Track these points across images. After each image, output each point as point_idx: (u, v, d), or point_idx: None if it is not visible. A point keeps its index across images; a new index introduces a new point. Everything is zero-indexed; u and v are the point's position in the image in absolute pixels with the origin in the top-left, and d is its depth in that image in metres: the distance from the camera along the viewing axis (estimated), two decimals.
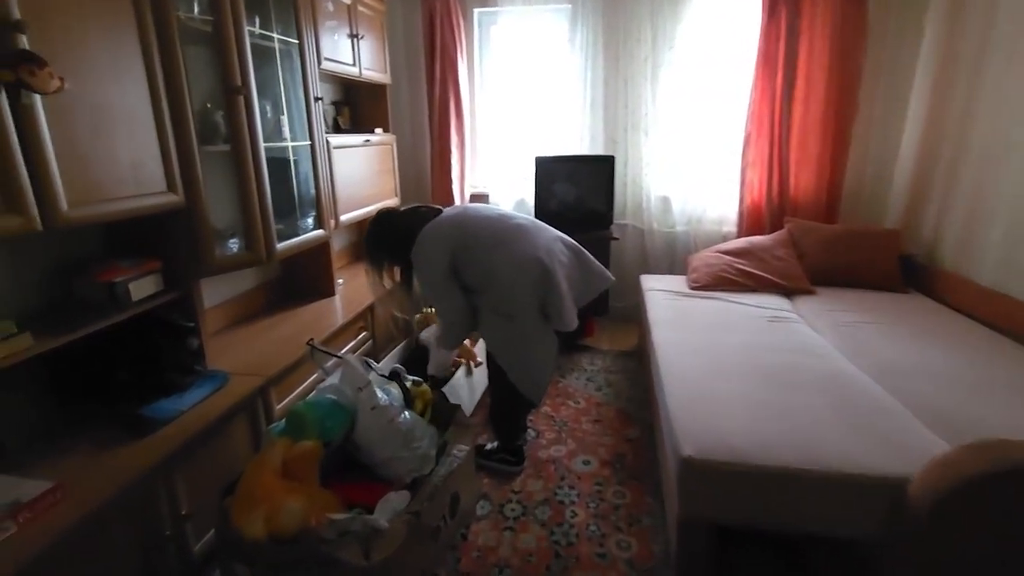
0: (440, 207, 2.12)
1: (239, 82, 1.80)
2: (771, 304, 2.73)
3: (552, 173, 3.48)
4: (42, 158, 1.26)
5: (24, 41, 1.20)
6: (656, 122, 3.53)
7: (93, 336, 1.54)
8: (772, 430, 1.59)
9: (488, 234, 1.98)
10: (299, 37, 2.16)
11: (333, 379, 1.80)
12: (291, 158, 2.19)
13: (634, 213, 3.73)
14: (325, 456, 1.59)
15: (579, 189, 3.48)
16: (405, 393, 1.82)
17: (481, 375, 2.67)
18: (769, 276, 2.97)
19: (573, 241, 2.19)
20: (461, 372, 2.44)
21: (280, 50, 2.11)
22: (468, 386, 2.52)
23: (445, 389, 2.22)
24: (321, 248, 2.68)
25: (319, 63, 2.45)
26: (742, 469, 1.48)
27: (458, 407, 2.00)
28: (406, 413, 1.75)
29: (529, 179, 3.53)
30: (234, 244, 1.99)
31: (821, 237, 3.10)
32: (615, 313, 3.74)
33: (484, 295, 1.98)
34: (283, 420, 1.67)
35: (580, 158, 3.59)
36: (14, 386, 1.48)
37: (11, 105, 1.19)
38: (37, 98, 1.23)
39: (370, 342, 2.78)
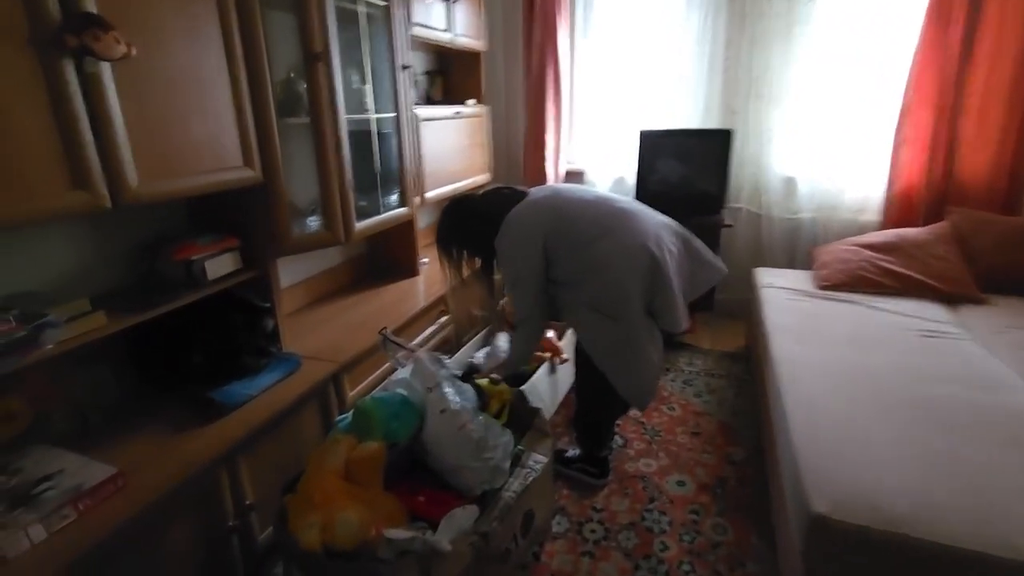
0: (525, 189, 1.87)
1: (320, 48, 1.67)
2: (926, 314, 2.23)
3: (658, 149, 3.11)
4: (110, 130, 1.19)
5: (90, 3, 1.12)
6: (786, 90, 3.03)
7: (173, 314, 1.51)
8: (939, 490, 1.23)
9: (588, 219, 1.72)
10: None
11: (404, 372, 1.67)
12: (375, 131, 2.06)
13: (751, 196, 3.27)
14: (390, 458, 1.46)
15: (687, 167, 3.09)
16: (480, 394, 1.65)
17: (566, 372, 2.45)
18: (923, 278, 2.44)
19: (681, 227, 1.88)
20: (543, 370, 2.24)
21: (366, 14, 1.96)
22: (551, 385, 2.31)
23: (525, 388, 2.03)
24: (406, 226, 2.57)
25: (408, 28, 2.29)
26: (898, 540, 1.14)
27: (538, 411, 1.81)
28: (480, 417, 1.58)
29: (631, 155, 3.19)
30: (314, 222, 1.91)
31: (998, 232, 2.50)
32: (720, 307, 3.34)
33: (580, 290, 1.73)
34: (351, 412, 1.57)
35: (691, 132, 3.18)
36: (98, 360, 1.49)
37: (77, 73, 1.11)
38: (105, 66, 1.16)
39: (452, 326, 2.66)
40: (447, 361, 1.63)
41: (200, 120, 1.40)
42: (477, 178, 3.15)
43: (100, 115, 1.17)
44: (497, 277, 1.97)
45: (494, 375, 1.87)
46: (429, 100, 3.02)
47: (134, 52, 1.18)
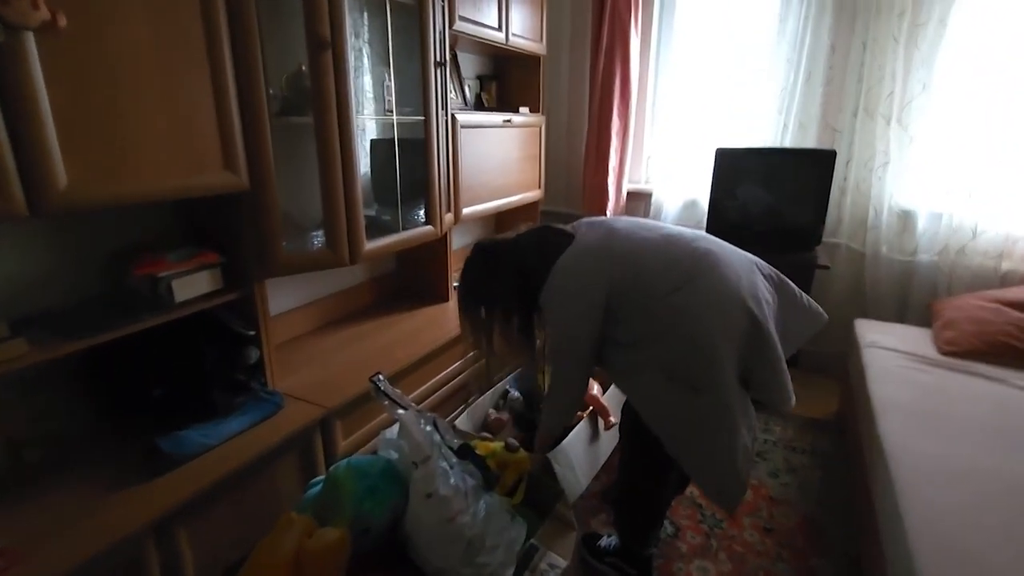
0: (568, 229, 1.47)
1: (327, 34, 1.40)
2: None
3: (738, 171, 2.65)
4: (32, 120, 0.96)
5: None
6: (908, 104, 2.49)
7: (138, 338, 1.28)
8: None
9: (663, 263, 1.33)
10: None
11: (395, 433, 1.35)
12: (396, 135, 1.78)
13: (853, 231, 2.72)
14: (360, 547, 1.14)
15: (775, 194, 2.61)
16: (485, 473, 1.29)
17: (609, 438, 2.03)
18: None
19: (770, 266, 1.46)
20: (581, 431, 1.84)
21: (394, 1, 1.70)
22: (588, 451, 1.90)
23: (553, 454, 1.65)
24: (437, 245, 2.28)
25: (451, 22, 2.01)
26: None
27: (562, 494, 1.43)
28: (482, 503, 1.23)
29: (705, 177, 2.74)
30: (318, 238, 1.64)
31: None
32: (807, 361, 2.80)
33: (649, 352, 1.32)
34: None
35: (782, 152, 2.69)
36: (43, 388, 1.28)
37: None
38: (29, 37, 0.93)
39: (483, 361, 2.33)
40: (443, 427, 1.28)
41: (163, 112, 1.15)
42: (526, 195, 2.82)
43: (18, 101, 0.94)
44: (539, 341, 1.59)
45: (511, 440, 1.51)
46: (479, 106, 2.74)
47: (63, 22, 0.94)
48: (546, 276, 1.37)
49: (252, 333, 1.49)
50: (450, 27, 2.01)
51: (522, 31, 2.56)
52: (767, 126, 2.80)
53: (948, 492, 1.30)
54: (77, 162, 1.02)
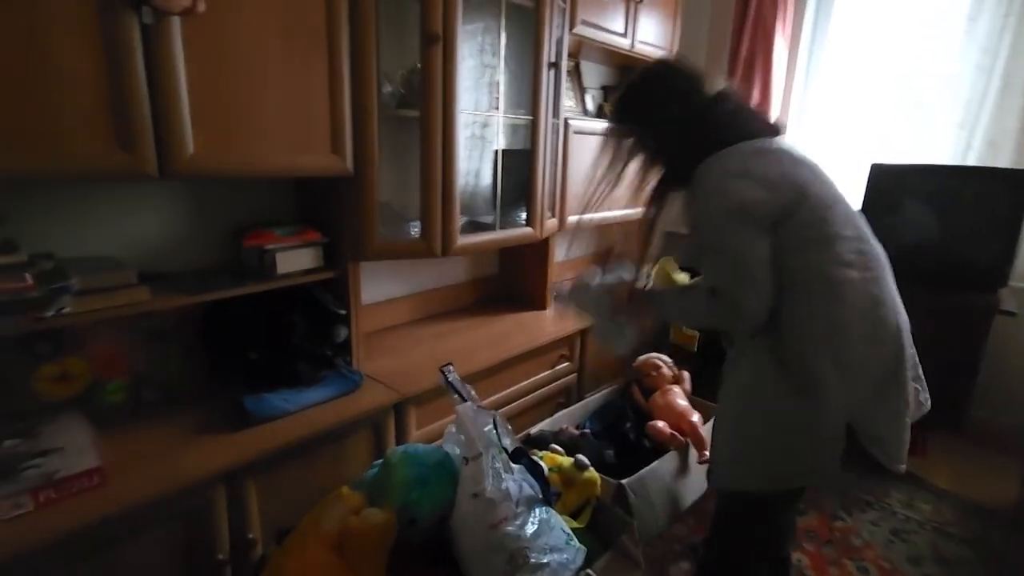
0: (776, 124, 1.20)
1: (437, 28, 1.44)
2: None
3: (898, 192, 2.26)
4: (170, 91, 1.09)
5: None
6: None
7: (251, 304, 1.41)
8: None
9: (849, 233, 1.08)
10: None
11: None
12: (499, 133, 1.77)
13: None
14: (405, 537, 1.11)
15: (946, 221, 2.17)
16: (541, 483, 1.19)
17: (702, 476, 1.80)
18: None
19: (906, 316, 1.16)
20: (668, 462, 1.64)
21: (510, 3, 1.71)
22: (673, 488, 1.69)
23: (629, 482, 1.49)
24: (540, 249, 2.23)
25: (571, 25, 1.97)
26: None
27: (630, 524, 1.28)
28: (537, 513, 1.13)
29: (856, 197, 2.37)
30: (415, 229, 1.68)
31: None
32: (977, 430, 2.26)
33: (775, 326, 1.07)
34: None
35: (960, 171, 2.25)
36: (170, 338, 1.44)
37: (141, 26, 1.02)
38: (174, 22, 1.06)
39: (574, 375, 2.22)
40: (502, 427, 1.21)
41: (282, 95, 1.26)
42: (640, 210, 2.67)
43: (160, 73, 1.07)
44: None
45: (581, 457, 1.39)
46: (602, 116, 2.67)
47: (202, 7, 1.06)
48: (718, 149, 1.09)
49: (343, 312, 1.56)
50: (570, 30, 1.98)
51: (650, 38, 2.45)
52: (943, 143, 2.37)
53: None
54: (203, 133, 1.15)
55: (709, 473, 1.30)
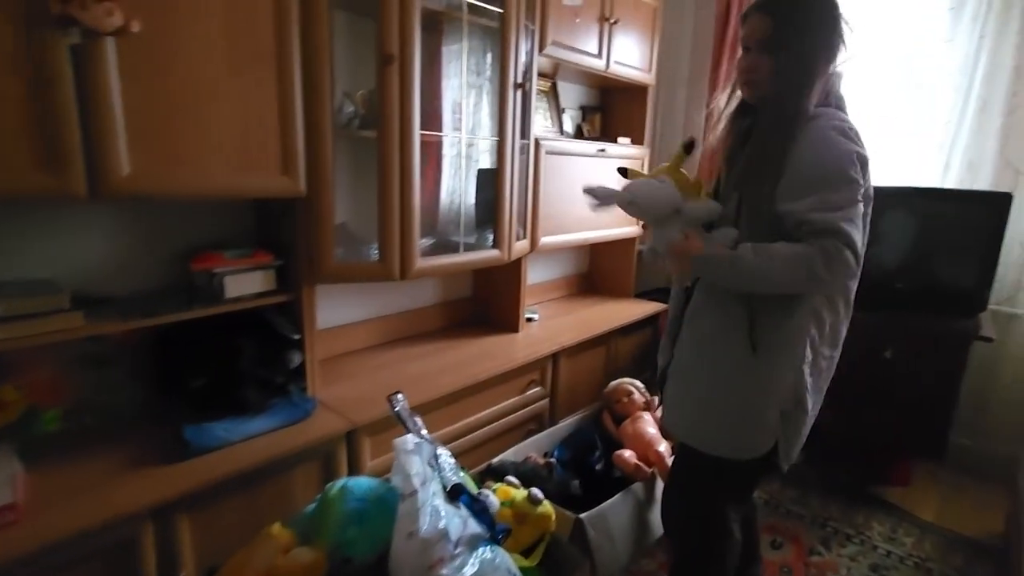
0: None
1: (393, 50, 1.42)
2: None
3: (876, 215, 2.21)
4: (103, 111, 1.05)
5: None
6: None
7: (199, 329, 1.36)
8: None
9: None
10: (503, 3, 1.69)
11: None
12: (463, 154, 1.75)
13: None
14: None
15: (924, 244, 2.14)
16: (485, 522, 1.13)
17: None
18: None
19: None
20: (630, 496, 1.56)
21: (472, 21, 1.69)
22: (636, 521, 1.62)
23: (587, 516, 1.42)
24: (511, 272, 2.19)
25: (541, 47, 1.96)
26: None
27: (585, 564, 1.21)
28: (478, 556, 1.07)
29: None
30: (374, 252, 1.64)
31: None
32: (960, 458, 2.20)
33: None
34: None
35: (938, 193, 2.22)
36: (111, 362, 1.39)
37: (73, 48, 1.00)
38: (107, 40, 1.03)
39: (546, 401, 2.17)
40: (445, 461, 1.15)
41: (227, 115, 1.22)
42: (623, 230, 2.65)
43: (92, 93, 1.04)
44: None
45: (535, 490, 1.33)
46: (580, 136, 2.65)
47: (136, 28, 1.04)
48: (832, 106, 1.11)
49: (296, 337, 1.51)
50: (540, 51, 1.97)
51: (626, 59, 2.44)
52: (922, 164, 2.35)
53: None
54: (141, 153, 1.11)
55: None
